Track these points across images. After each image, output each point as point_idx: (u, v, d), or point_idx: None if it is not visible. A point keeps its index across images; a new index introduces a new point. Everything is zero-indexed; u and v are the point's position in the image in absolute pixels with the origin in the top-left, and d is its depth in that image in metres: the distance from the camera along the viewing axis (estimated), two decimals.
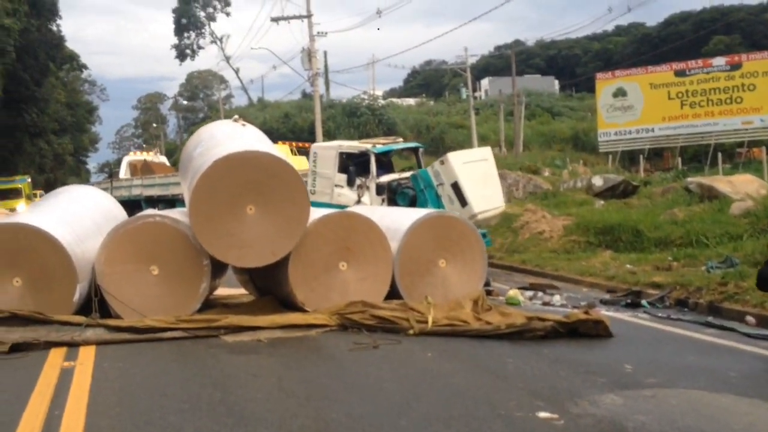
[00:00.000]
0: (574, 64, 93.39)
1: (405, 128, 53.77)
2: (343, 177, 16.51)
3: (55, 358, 7.81)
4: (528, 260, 17.71)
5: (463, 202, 14.71)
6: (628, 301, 11.79)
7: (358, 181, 16.30)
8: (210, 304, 10.72)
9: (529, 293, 12.12)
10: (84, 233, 9.57)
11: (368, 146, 16.85)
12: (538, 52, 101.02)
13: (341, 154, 17.01)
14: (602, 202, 23.24)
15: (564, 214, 21.39)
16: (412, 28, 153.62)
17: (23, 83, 39.16)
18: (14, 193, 34.51)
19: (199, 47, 73.82)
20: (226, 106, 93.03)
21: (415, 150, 18.33)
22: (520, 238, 20.66)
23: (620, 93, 39.60)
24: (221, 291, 11.96)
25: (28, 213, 9.78)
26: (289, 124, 49.51)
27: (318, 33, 35.70)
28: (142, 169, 33.77)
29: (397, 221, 10.65)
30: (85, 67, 62.82)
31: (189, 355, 7.98)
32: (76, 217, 9.79)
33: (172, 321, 8.96)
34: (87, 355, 7.90)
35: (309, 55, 35.04)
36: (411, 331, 8.91)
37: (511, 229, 21.74)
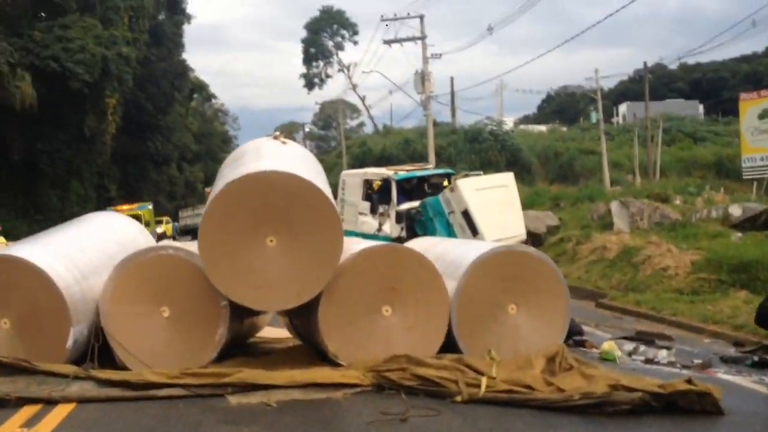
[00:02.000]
0: (721, 88, 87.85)
1: (531, 155, 51.40)
2: (367, 204, 16.52)
3: (19, 419, 6.53)
4: (644, 301, 15.41)
5: (474, 230, 14.18)
6: (755, 359, 9.48)
7: (380, 209, 16.15)
8: (247, 350, 9.36)
9: (630, 346, 9.95)
10: (91, 268, 8.32)
11: (390, 173, 16.56)
12: (682, 75, 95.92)
13: (366, 181, 16.88)
14: (740, 234, 20.40)
15: (693, 247, 18.80)
16: (549, 54, 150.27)
17: (146, 112, 39.80)
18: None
19: (327, 76, 74.02)
20: (358, 134, 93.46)
21: (447, 176, 17.31)
22: (640, 274, 18.33)
23: (767, 114, 35.94)
24: (267, 332, 10.57)
25: (24, 244, 8.67)
26: (409, 151, 48.28)
27: (432, 55, 34.33)
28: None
29: (458, 257, 8.88)
30: (213, 96, 64.15)
31: (170, 423, 6.49)
32: (83, 249, 8.56)
33: (175, 375, 7.53)
34: (55, 417, 6.56)
35: (422, 78, 33.65)
36: (458, 398, 7.11)
37: (631, 264, 19.43)
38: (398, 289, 8.24)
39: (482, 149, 47.09)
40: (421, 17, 34.32)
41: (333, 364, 8.03)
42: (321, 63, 73.51)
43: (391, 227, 15.94)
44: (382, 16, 37.44)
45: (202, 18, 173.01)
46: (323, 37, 71.73)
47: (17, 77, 27.03)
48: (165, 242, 9.42)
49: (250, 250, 7.69)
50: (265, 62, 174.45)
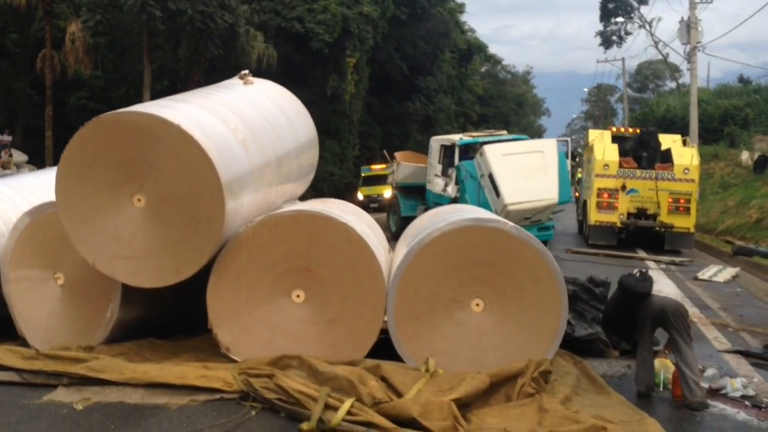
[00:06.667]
0: None
1: None
2: (440, 167, 18.24)
3: None
4: None
5: (497, 193, 14.80)
6: None
7: (448, 171, 17.51)
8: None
9: (712, 371, 6.75)
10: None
11: (456, 139, 18.14)
12: None
13: (442, 145, 18.51)
14: None
15: None
16: None
17: (401, 72, 39.13)
18: (385, 179, 34.63)
19: (627, 33, 68.31)
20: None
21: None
22: None
23: None
24: None
25: None
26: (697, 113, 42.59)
27: (701, 0, 29.47)
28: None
29: (421, 232, 6.64)
30: (492, 58, 62.39)
31: None
32: (17, 198, 7.69)
33: (30, 355, 6.37)
34: None
35: (687, 26, 29.02)
36: (304, 425, 5.13)
37: None
38: (315, 271, 6.30)
39: None
40: None
41: (230, 360, 6.34)
42: (621, 19, 68.04)
43: (451, 188, 17.01)
44: None
45: None
46: None
47: (251, 37, 27.74)
48: None
49: (114, 212, 6.18)
50: (593, 24, 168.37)
